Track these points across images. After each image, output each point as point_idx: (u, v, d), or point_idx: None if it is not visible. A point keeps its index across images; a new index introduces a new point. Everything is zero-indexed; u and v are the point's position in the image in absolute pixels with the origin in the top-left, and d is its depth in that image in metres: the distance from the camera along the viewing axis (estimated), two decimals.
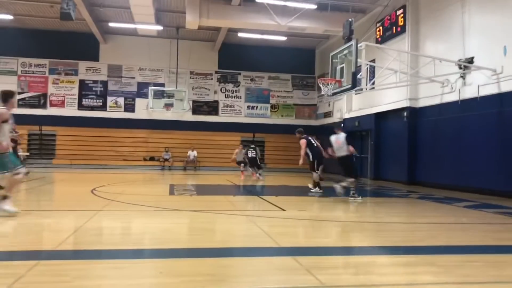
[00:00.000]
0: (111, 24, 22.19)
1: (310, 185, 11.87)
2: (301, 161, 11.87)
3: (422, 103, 15.63)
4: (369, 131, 19.36)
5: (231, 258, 4.66)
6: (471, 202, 10.44)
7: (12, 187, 6.89)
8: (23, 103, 23.94)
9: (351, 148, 10.27)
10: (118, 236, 5.88)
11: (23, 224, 6.20)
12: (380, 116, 18.42)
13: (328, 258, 4.74)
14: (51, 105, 24.33)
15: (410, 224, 7.45)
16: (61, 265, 4.12)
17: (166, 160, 24.00)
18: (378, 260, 4.70)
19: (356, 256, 5.00)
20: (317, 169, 11.74)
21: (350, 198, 10.05)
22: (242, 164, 18.52)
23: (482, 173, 12.43)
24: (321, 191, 11.54)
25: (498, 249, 5.42)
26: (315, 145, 11.88)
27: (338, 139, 10.28)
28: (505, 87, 11.76)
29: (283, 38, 22.87)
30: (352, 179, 10.22)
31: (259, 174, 17.22)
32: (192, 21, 18.62)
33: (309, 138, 12.00)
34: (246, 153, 17.89)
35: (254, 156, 17.69)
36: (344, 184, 10.25)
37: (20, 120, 23.30)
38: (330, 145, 10.38)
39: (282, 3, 17.84)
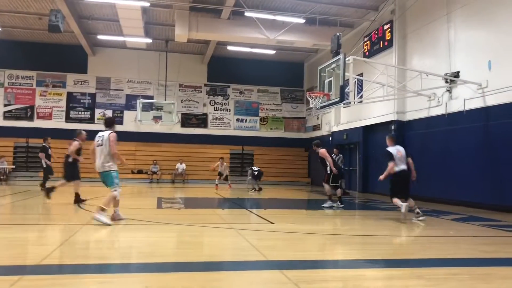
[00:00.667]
0: (100, 37, 22.15)
1: (331, 203, 11.46)
2: (334, 169, 11.28)
3: (410, 116, 15.78)
4: (357, 144, 19.47)
5: (219, 272, 4.62)
6: (459, 215, 10.50)
7: (110, 202, 7.83)
8: (9, 116, 23.71)
9: (411, 161, 9.26)
10: (104, 250, 5.79)
11: (6, 238, 6.08)
12: (368, 129, 18.55)
13: (316, 272, 4.72)
14: (38, 117, 24.10)
15: (398, 237, 7.46)
16: (45, 280, 4.05)
17: (154, 173, 23.84)
18: (367, 273, 4.69)
19: (344, 269, 4.98)
20: (332, 182, 11.42)
21: (414, 219, 8.93)
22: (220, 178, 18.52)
23: (469, 186, 12.54)
24: (336, 205, 11.39)
25: (485, 261, 5.45)
26: (335, 159, 11.89)
27: (399, 151, 9.09)
28: (490, 101, 11.93)
29: (272, 52, 23.02)
30: (410, 201, 9.01)
31: (255, 189, 17.30)
32: (181, 34, 18.67)
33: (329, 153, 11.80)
34: (251, 174, 17.67)
35: (258, 169, 17.74)
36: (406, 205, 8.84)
37: (6, 132, 23.25)
38: (391, 158, 8.95)
39: (271, 17, 17.99)
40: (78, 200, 10.82)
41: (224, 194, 16.22)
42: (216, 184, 18.59)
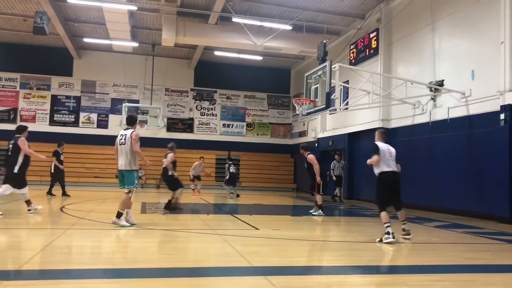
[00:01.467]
0: (86, 40, 21.96)
1: (320, 212, 11.34)
2: (318, 178, 11.09)
3: (394, 124, 15.93)
4: (343, 150, 19.58)
5: (203, 278, 4.59)
6: (442, 222, 10.61)
7: (125, 204, 7.98)
8: None
9: (399, 167, 7.67)
10: (87, 255, 5.72)
11: None
12: (354, 136, 18.67)
13: (301, 278, 4.72)
14: (22, 120, 23.74)
15: (381, 243, 7.50)
16: (26, 286, 3.98)
17: (139, 177, 23.64)
18: (350, 279, 4.70)
19: (329, 275, 4.99)
20: (323, 191, 11.35)
21: (401, 237, 7.38)
22: (194, 181, 18.07)
23: (452, 193, 12.68)
24: (317, 212, 11.30)
25: (468, 268, 5.50)
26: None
27: (390, 150, 7.57)
28: (473, 110, 12.12)
29: (259, 58, 23.08)
30: (402, 213, 7.49)
31: (233, 193, 17.10)
32: (168, 38, 18.62)
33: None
34: (228, 169, 17.43)
35: (235, 172, 17.48)
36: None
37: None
38: (377, 152, 7.42)
39: (259, 23, 18.05)
40: (169, 206, 10.74)
41: (210, 200, 16.16)
42: (193, 189, 18.04)
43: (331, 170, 17.48)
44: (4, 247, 5.93)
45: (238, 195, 17.07)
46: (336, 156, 16.81)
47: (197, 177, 18.21)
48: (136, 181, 8.16)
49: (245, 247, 6.28)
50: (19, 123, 23.54)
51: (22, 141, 9.44)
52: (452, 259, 6.05)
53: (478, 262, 5.95)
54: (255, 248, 6.35)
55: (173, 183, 11.04)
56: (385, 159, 7.44)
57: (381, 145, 7.62)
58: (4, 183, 9.37)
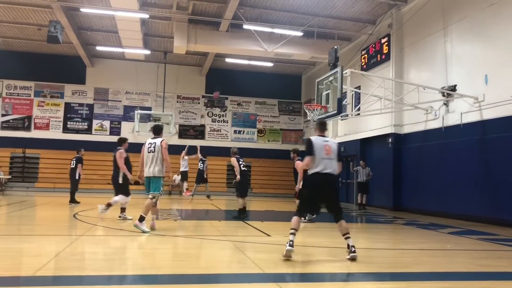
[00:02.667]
0: (99, 48, 22.22)
1: (310, 216, 11.02)
2: (298, 186, 10.96)
3: (407, 129, 15.83)
4: (354, 156, 19.47)
5: (215, 285, 4.58)
6: (456, 228, 10.48)
7: (148, 209, 8.16)
8: (6, 126, 23.67)
9: (340, 166, 6.37)
10: (100, 262, 5.75)
11: (0, 249, 6.03)
12: (365, 142, 18.58)
13: (313, 285, 4.69)
14: (36, 127, 24.06)
15: (395, 250, 7.43)
16: None
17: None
18: (364, 286, 4.66)
19: (342, 282, 4.95)
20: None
21: (347, 256, 5.93)
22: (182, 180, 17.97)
23: (466, 199, 12.53)
24: (308, 217, 11.09)
25: (483, 275, 5.42)
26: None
27: (328, 145, 6.17)
28: (487, 115, 11.99)
29: (270, 64, 23.13)
30: (341, 224, 6.09)
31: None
32: (180, 46, 18.76)
33: None
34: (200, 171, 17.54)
35: (203, 169, 17.48)
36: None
37: (3, 142, 23.17)
38: (310, 151, 6.11)
39: (269, 30, 18.11)
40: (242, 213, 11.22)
41: (222, 206, 16.16)
42: (187, 189, 17.98)
43: (358, 174, 16.85)
44: (18, 253, 5.99)
45: (208, 196, 17.10)
46: (361, 162, 16.62)
47: (183, 176, 18.17)
48: (162, 188, 8.39)
49: (257, 254, 6.26)
50: (33, 131, 23.89)
51: (120, 154, 10.14)
52: (467, 266, 5.97)
53: (494, 269, 5.86)
54: (267, 255, 6.32)
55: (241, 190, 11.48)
56: (320, 157, 6.06)
57: (316, 140, 6.17)
58: (116, 194, 10.09)
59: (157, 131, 8.66)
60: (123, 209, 10.10)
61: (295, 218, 6.08)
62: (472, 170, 12.43)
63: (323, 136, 6.35)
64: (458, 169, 12.98)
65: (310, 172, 6.13)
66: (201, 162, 17.80)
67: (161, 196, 8.53)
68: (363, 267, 5.74)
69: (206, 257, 6.23)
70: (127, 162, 10.15)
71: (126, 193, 10.07)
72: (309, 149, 6.10)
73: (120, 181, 10.02)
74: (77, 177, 14.43)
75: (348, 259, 5.78)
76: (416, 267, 5.85)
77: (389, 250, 7.29)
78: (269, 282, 4.66)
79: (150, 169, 8.27)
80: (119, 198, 9.93)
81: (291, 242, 5.75)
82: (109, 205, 9.83)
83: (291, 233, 5.89)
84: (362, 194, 16.33)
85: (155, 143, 8.33)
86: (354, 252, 5.80)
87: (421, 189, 14.62)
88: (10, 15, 18.88)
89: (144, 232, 7.84)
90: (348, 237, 5.95)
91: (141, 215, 8.05)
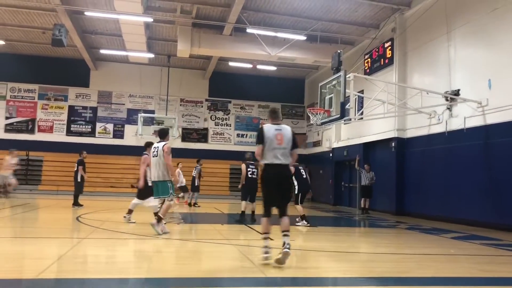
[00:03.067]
0: (103, 51, 22.31)
1: (304, 223, 11.16)
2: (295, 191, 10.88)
3: (410, 133, 15.80)
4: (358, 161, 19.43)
5: None
6: (459, 233, 10.45)
7: (166, 211, 8.27)
8: (10, 128, 23.77)
9: (295, 156, 5.97)
10: (102, 265, 5.75)
11: (4, 252, 6.05)
12: (369, 146, 18.56)
13: None
14: (39, 130, 24.15)
15: (398, 255, 7.41)
16: None
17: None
18: None
19: (345, 287, 4.94)
20: (302, 202, 11.29)
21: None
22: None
23: (469, 204, 12.49)
24: (308, 224, 11.07)
25: (485, 280, 5.40)
26: (304, 176, 11.25)
27: (281, 133, 5.74)
28: (490, 119, 11.96)
29: (273, 68, 23.17)
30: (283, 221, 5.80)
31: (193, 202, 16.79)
32: (183, 49, 18.82)
33: (299, 167, 11.17)
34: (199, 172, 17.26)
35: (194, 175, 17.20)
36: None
37: (6, 145, 23.24)
38: (259, 139, 5.77)
39: (273, 34, 18.15)
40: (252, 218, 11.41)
41: (224, 209, 16.15)
42: (179, 197, 17.73)
43: (361, 177, 16.71)
44: (21, 256, 6.00)
45: (195, 204, 16.95)
46: (365, 165, 16.60)
47: (182, 187, 17.82)
48: (170, 191, 8.33)
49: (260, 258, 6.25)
50: (37, 133, 23.98)
51: (143, 159, 10.04)
52: (470, 271, 5.94)
53: (497, 275, 5.84)
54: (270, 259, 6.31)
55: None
56: (271, 147, 5.67)
57: (268, 128, 5.78)
58: (143, 198, 10.00)
59: (161, 134, 8.67)
60: (130, 211, 10.05)
61: (263, 221, 5.79)
62: (475, 175, 12.40)
63: (277, 124, 5.88)
64: (461, 174, 12.94)
65: (262, 163, 5.76)
66: (195, 168, 17.56)
67: (174, 197, 8.64)
68: (365, 271, 5.73)
69: (209, 261, 6.23)
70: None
71: (143, 196, 9.89)
72: (259, 138, 5.73)
73: (150, 184, 9.66)
74: (78, 180, 14.37)
75: (278, 257, 5.39)
76: (419, 272, 5.83)
77: (392, 255, 7.27)
78: (271, 286, 4.66)
79: (155, 174, 8.32)
80: (154, 202, 9.75)
81: (266, 249, 5.50)
82: (156, 215, 9.85)
83: (264, 238, 5.63)
84: (365, 198, 16.29)
85: (158, 147, 8.35)
86: (288, 248, 5.40)
87: (424, 194, 14.58)
88: (15, 19, 18.99)
89: (157, 234, 7.92)
90: (286, 235, 5.57)
91: (159, 216, 8.12)
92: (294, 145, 5.81)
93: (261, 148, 5.69)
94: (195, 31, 18.64)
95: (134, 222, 9.80)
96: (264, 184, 5.78)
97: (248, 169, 11.50)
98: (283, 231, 5.61)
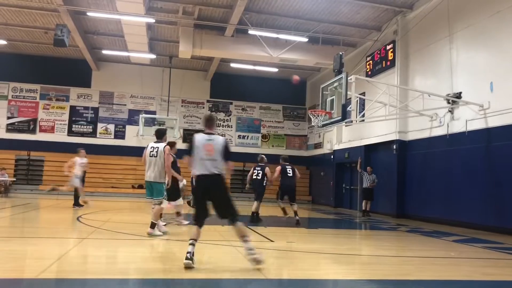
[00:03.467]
0: (105, 52, 22.34)
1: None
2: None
3: (411, 136, 15.79)
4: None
5: None
6: (460, 236, 10.43)
7: (158, 215, 8.14)
8: (12, 128, 23.80)
9: (229, 166, 5.89)
10: (103, 265, 5.75)
11: (4, 251, 6.05)
12: (370, 148, 18.54)
13: None
14: (41, 130, 24.17)
15: (398, 257, 7.40)
16: None
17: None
18: None
19: None
20: (281, 199, 12.05)
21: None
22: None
23: (470, 207, 12.46)
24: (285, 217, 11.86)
25: (486, 284, 5.39)
26: (290, 174, 11.90)
27: (211, 143, 5.63)
28: (492, 122, 11.94)
29: (275, 70, 23.17)
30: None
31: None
32: (185, 50, 18.83)
33: (286, 166, 11.99)
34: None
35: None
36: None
37: (8, 144, 23.27)
38: (189, 150, 5.70)
39: (275, 35, 18.15)
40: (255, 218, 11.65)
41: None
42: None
43: (363, 180, 16.70)
44: (21, 256, 6.00)
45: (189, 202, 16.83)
46: (368, 168, 16.58)
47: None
48: (164, 193, 8.33)
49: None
50: (38, 133, 24.00)
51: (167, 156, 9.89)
52: (471, 274, 5.93)
53: (498, 278, 5.82)
54: (270, 261, 6.31)
55: (262, 194, 11.92)
56: (199, 157, 5.55)
57: (198, 138, 5.63)
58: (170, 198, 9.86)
59: (160, 135, 8.58)
60: (178, 213, 10.12)
61: (193, 228, 5.64)
62: (476, 177, 12.37)
63: (210, 133, 5.70)
64: (463, 177, 12.92)
65: (192, 174, 5.58)
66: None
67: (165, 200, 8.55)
68: (366, 274, 5.72)
69: (208, 262, 6.22)
70: (174, 166, 10.00)
71: (173, 198, 9.84)
72: (188, 148, 5.62)
73: (168, 186, 9.84)
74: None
75: (250, 259, 5.37)
76: (419, 274, 5.82)
77: (393, 257, 7.25)
78: None
79: (151, 174, 8.23)
80: (177, 202, 9.82)
81: (188, 255, 5.27)
82: (178, 214, 9.90)
83: (190, 244, 5.41)
84: (367, 200, 16.27)
85: (158, 147, 8.26)
86: (254, 254, 5.35)
87: (425, 196, 14.56)
88: (17, 19, 19.02)
89: (158, 236, 7.93)
90: (246, 240, 5.43)
91: (152, 222, 8.06)
92: (227, 156, 5.68)
93: (191, 159, 5.58)
94: (197, 32, 18.65)
95: (187, 224, 9.76)
96: (195, 195, 5.62)
97: (255, 171, 12.04)
98: (241, 237, 5.50)
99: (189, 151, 5.61)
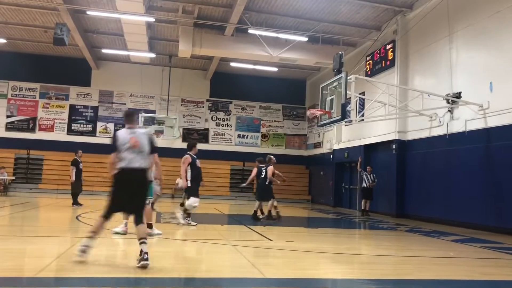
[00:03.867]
0: (104, 50, 22.33)
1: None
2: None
3: (411, 136, 15.79)
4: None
5: None
6: (459, 236, 10.43)
7: (149, 215, 8.00)
8: (11, 127, 23.78)
9: (155, 160, 6.01)
10: (102, 264, 5.74)
11: (3, 250, 6.05)
12: (369, 148, 18.54)
13: None
14: (40, 129, 24.15)
15: (398, 257, 7.40)
16: None
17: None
18: None
19: None
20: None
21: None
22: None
23: (470, 207, 12.47)
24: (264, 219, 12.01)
25: (484, 283, 5.39)
26: (262, 176, 12.12)
27: (136, 137, 5.64)
28: (492, 122, 11.94)
29: (275, 69, 23.16)
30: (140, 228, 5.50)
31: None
32: (185, 50, 18.82)
33: (262, 167, 12.32)
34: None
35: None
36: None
37: (7, 143, 23.25)
38: (113, 146, 5.68)
39: (274, 35, 18.15)
40: (270, 217, 11.89)
41: (225, 210, 16.14)
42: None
43: (362, 179, 16.66)
44: (20, 254, 6.00)
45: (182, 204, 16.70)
46: (368, 167, 16.58)
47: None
48: (153, 192, 8.42)
49: (259, 259, 6.25)
50: (37, 132, 23.99)
51: (184, 159, 10.03)
52: (470, 274, 5.93)
53: (496, 278, 5.83)
54: (269, 260, 6.32)
55: (270, 194, 12.02)
56: (123, 152, 5.56)
57: (121, 133, 5.66)
58: (188, 197, 10.03)
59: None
60: (189, 214, 10.06)
61: (99, 220, 5.51)
62: (476, 177, 12.38)
63: (132, 128, 5.72)
64: (462, 177, 12.92)
65: (116, 168, 5.55)
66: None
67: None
68: (365, 273, 5.73)
69: (208, 261, 6.23)
70: (194, 167, 9.93)
71: (196, 195, 9.90)
72: (112, 144, 5.59)
73: (189, 184, 9.84)
74: (72, 180, 14.36)
75: (138, 267, 5.09)
76: (418, 274, 5.82)
77: (392, 257, 7.26)
78: (270, 287, 4.65)
79: None
80: (192, 201, 9.81)
81: (84, 248, 5.19)
82: (186, 211, 9.89)
83: (90, 237, 5.31)
84: (366, 200, 16.28)
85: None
86: (146, 260, 5.10)
87: (425, 196, 14.56)
88: (17, 17, 19.01)
89: (157, 235, 7.93)
90: (143, 243, 5.29)
91: (147, 223, 8.00)
92: (153, 149, 5.74)
93: (115, 155, 5.54)
94: (196, 31, 18.64)
95: (195, 225, 9.78)
96: (115, 187, 5.55)
97: (259, 170, 12.25)
98: (139, 239, 5.33)
99: (113, 148, 5.55)
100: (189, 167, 9.82)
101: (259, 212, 12.36)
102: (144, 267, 5.04)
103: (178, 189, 23.46)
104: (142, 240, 5.30)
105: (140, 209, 5.54)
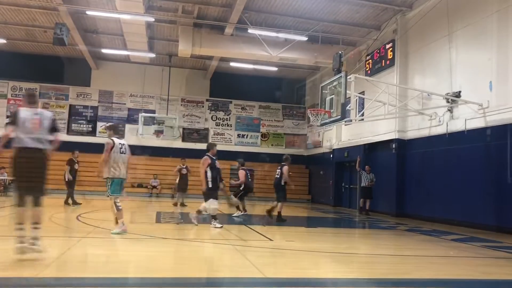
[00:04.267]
0: (104, 50, 22.32)
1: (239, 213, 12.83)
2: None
3: (411, 135, 15.79)
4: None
5: None
6: (459, 235, 10.44)
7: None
8: None
9: (57, 139, 6.03)
10: (101, 264, 5.75)
11: (4, 250, 6.04)
12: (369, 147, 18.53)
13: None
14: None
15: (397, 256, 7.41)
16: None
17: (154, 187, 23.74)
18: None
19: None
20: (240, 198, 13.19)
21: None
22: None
23: (470, 206, 12.47)
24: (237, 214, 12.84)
25: (484, 283, 5.40)
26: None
27: (39, 116, 5.65)
28: (491, 121, 11.95)
29: (274, 69, 23.15)
30: None
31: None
32: (184, 49, 18.81)
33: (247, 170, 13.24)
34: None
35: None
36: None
37: (7, 143, 23.23)
38: (13, 121, 5.64)
39: (274, 34, 18.14)
40: (281, 218, 11.83)
41: (225, 210, 16.13)
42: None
43: (361, 178, 16.87)
44: (20, 255, 5.99)
45: (182, 204, 16.47)
46: (366, 166, 16.60)
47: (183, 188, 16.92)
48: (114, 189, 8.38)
49: (259, 258, 6.25)
50: None
51: (203, 160, 9.99)
52: (470, 273, 5.94)
53: (496, 277, 5.83)
54: (269, 259, 6.32)
55: (283, 195, 12.02)
56: (25, 131, 5.43)
57: (24, 112, 5.55)
58: (207, 199, 9.82)
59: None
60: (199, 211, 10.00)
61: (17, 211, 5.42)
62: (476, 176, 12.38)
63: (34, 108, 5.64)
64: (462, 176, 12.93)
65: (13, 146, 5.40)
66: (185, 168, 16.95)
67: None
68: (365, 273, 5.73)
69: (208, 261, 6.23)
70: (214, 167, 9.85)
71: (215, 197, 9.81)
72: (13, 120, 5.44)
73: (210, 185, 9.74)
74: (66, 179, 14.49)
75: (31, 249, 5.17)
76: (418, 273, 5.83)
77: (391, 256, 7.26)
78: (270, 287, 4.65)
79: (124, 171, 8.34)
80: (208, 203, 9.74)
81: (21, 239, 5.21)
82: (199, 212, 9.89)
83: (19, 229, 5.27)
84: (365, 199, 16.27)
85: (125, 144, 8.45)
86: (36, 245, 5.14)
87: (425, 196, 14.56)
88: (17, 17, 19.00)
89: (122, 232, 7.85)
90: (37, 228, 5.24)
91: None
92: (54, 129, 5.78)
93: (13, 129, 5.40)
94: (196, 31, 18.64)
95: (221, 227, 9.64)
96: (16, 169, 5.41)
97: (277, 170, 12.42)
98: (34, 223, 5.26)
99: (11, 122, 5.45)
100: (208, 169, 9.76)
101: (240, 208, 12.98)
102: (37, 251, 5.11)
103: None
104: (35, 226, 5.25)
105: (42, 191, 5.49)
